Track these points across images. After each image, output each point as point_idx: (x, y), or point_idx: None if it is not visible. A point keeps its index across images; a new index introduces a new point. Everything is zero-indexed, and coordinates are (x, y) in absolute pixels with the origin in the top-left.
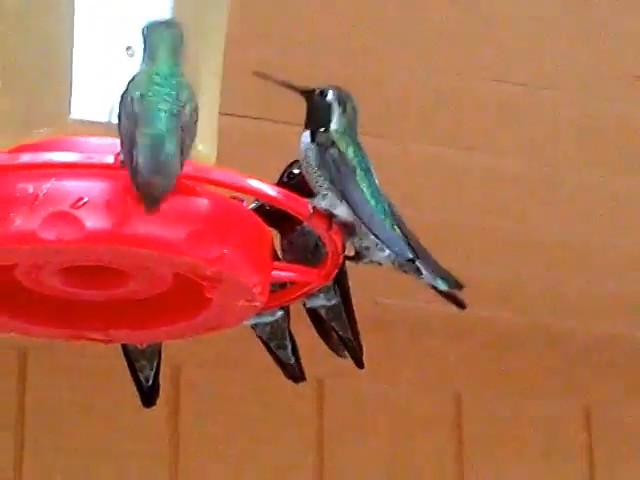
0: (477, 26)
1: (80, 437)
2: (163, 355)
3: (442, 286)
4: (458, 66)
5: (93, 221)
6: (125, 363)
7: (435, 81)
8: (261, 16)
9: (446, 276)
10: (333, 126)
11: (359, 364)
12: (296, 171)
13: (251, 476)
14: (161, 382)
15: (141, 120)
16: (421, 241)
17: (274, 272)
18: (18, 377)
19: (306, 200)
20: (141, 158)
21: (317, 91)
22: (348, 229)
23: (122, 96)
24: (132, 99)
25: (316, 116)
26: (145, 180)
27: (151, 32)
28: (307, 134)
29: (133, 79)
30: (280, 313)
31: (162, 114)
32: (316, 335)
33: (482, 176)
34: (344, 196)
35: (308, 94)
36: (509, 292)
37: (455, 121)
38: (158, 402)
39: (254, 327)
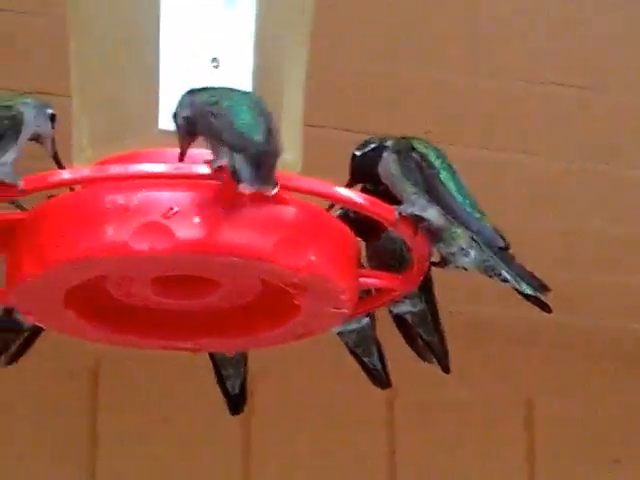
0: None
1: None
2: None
3: (527, 290)
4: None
5: (184, 231)
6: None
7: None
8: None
9: (531, 279)
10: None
11: (445, 369)
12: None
13: None
14: None
15: (229, 117)
16: None
17: (360, 279)
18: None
19: (392, 207)
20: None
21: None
22: (434, 235)
23: (196, 106)
24: (209, 106)
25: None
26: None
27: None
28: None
29: (199, 92)
30: (366, 320)
31: (243, 108)
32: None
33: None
34: (432, 198)
35: None
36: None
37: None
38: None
39: (340, 334)
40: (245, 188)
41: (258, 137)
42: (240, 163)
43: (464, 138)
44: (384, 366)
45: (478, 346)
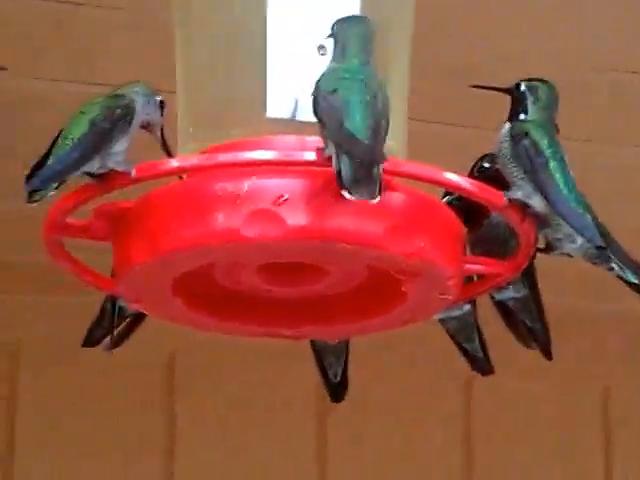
0: None
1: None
2: None
3: (631, 278)
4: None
5: (294, 218)
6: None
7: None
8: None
9: (636, 269)
10: (527, 117)
11: (547, 355)
12: (486, 165)
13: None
14: None
15: (341, 113)
16: None
17: (466, 265)
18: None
19: (501, 192)
20: (348, 144)
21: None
22: (541, 221)
23: (315, 93)
24: (326, 95)
25: (513, 108)
26: (364, 152)
27: (341, 28)
28: (506, 126)
29: (323, 76)
30: (467, 307)
31: (356, 105)
32: None
33: None
34: (538, 186)
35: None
36: None
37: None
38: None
39: (442, 321)
40: (346, 195)
41: (364, 140)
42: (345, 167)
43: None
44: (485, 352)
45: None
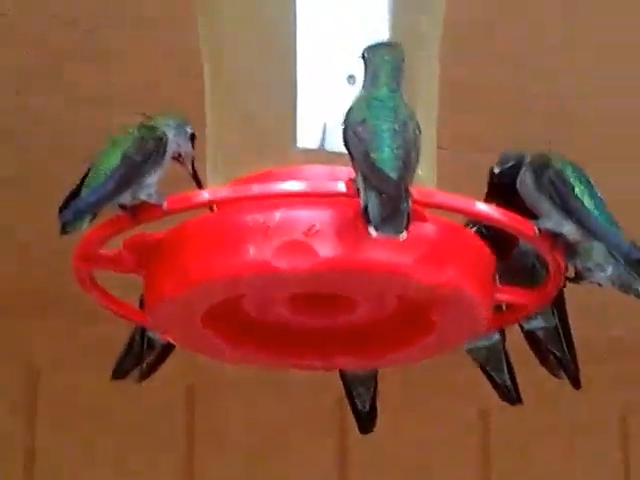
0: None
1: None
2: None
3: None
4: None
5: (326, 249)
6: None
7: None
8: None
9: None
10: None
11: (576, 386)
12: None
13: None
14: None
15: (368, 145)
16: None
17: (496, 295)
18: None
19: (531, 222)
20: (376, 178)
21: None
22: (571, 250)
23: (345, 124)
24: (355, 126)
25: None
26: (392, 188)
27: (371, 55)
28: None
29: (352, 107)
30: (496, 337)
31: (385, 135)
32: None
33: None
34: (568, 213)
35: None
36: None
37: None
38: None
39: (470, 351)
40: (372, 232)
41: (393, 175)
42: (372, 202)
43: None
44: (514, 382)
45: None
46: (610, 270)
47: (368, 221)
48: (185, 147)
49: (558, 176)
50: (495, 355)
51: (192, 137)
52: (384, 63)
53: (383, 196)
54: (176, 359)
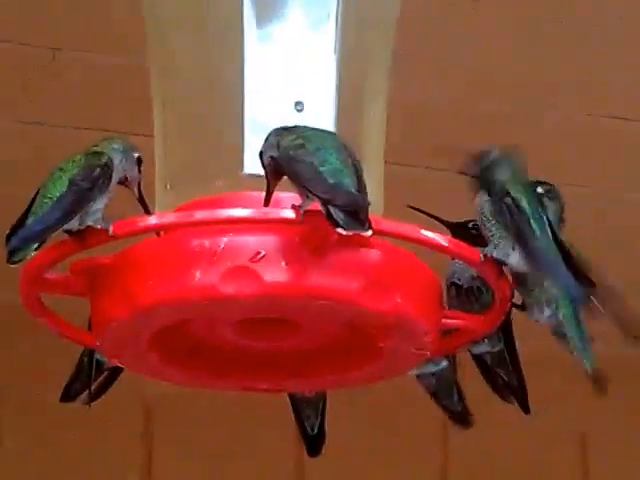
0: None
1: None
2: None
3: (586, 365)
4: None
5: (272, 274)
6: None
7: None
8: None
9: (591, 357)
10: (505, 177)
11: (525, 409)
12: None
13: None
14: None
15: (313, 160)
16: None
17: (443, 320)
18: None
19: (476, 249)
20: (331, 189)
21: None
22: (518, 278)
23: (280, 151)
24: (294, 148)
25: (486, 177)
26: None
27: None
28: (482, 192)
29: (282, 135)
30: (444, 363)
31: (330, 150)
32: None
33: None
34: (520, 243)
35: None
36: None
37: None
38: None
39: (419, 378)
40: (342, 232)
41: (348, 187)
42: (334, 210)
43: None
44: (464, 406)
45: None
46: (547, 314)
47: (336, 225)
48: (131, 172)
49: (515, 205)
50: (444, 382)
51: (139, 161)
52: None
53: (344, 204)
54: None
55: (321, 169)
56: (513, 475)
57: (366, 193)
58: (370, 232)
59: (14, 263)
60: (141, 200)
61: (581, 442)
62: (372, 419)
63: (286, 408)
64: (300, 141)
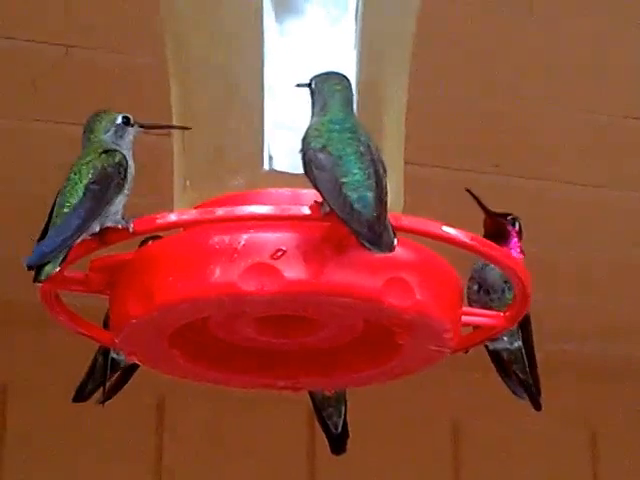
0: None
1: None
2: None
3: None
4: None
5: (292, 271)
6: None
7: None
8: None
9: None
10: None
11: (537, 407)
12: None
13: None
14: None
15: (335, 170)
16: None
17: (463, 317)
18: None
19: (500, 247)
20: (355, 207)
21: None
22: None
23: (303, 150)
24: (315, 153)
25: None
26: (371, 221)
27: (321, 84)
28: None
29: (308, 133)
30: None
31: (352, 157)
32: None
33: None
34: None
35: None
36: None
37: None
38: None
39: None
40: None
41: (367, 209)
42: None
43: None
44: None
45: None
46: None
47: (362, 243)
48: (135, 135)
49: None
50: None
51: (127, 121)
52: (336, 92)
53: (363, 231)
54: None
55: (343, 180)
56: (524, 471)
57: (386, 202)
58: (393, 249)
59: (40, 282)
60: (158, 126)
61: (591, 441)
62: (383, 412)
63: (298, 402)
64: (322, 142)
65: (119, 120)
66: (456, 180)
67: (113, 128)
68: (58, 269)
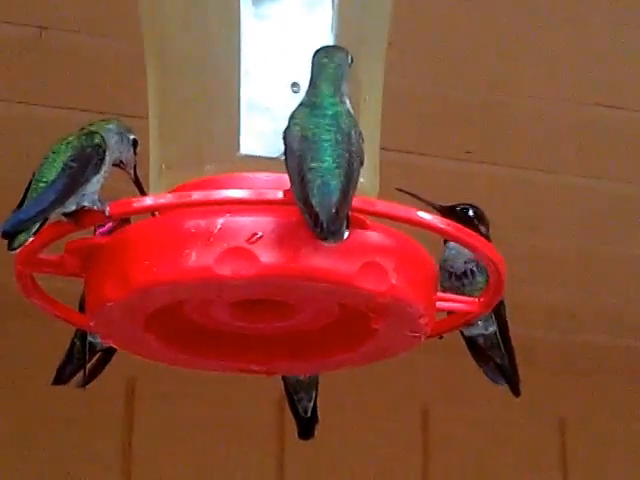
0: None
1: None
2: None
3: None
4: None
5: (268, 256)
6: None
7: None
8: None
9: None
10: None
11: (515, 392)
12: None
13: None
14: None
15: (306, 155)
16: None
17: (438, 303)
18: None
19: (475, 232)
20: (313, 195)
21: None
22: None
23: (285, 132)
24: (294, 134)
25: None
26: (321, 216)
27: (315, 59)
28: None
29: (293, 115)
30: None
31: (326, 145)
32: None
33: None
34: None
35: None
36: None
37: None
38: None
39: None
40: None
41: (325, 201)
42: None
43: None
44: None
45: None
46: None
47: (312, 208)
48: (127, 154)
49: None
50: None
51: (134, 143)
52: (326, 67)
53: (322, 182)
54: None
55: (310, 165)
56: (493, 456)
57: (351, 195)
58: (345, 238)
59: (14, 249)
60: (137, 182)
61: (560, 427)
62: (353, 398)
63: (269, 385)
64: (298, 124)
65: (132, 136)
66: (430, 167)
67: (123, 137)
68: (31, 239)
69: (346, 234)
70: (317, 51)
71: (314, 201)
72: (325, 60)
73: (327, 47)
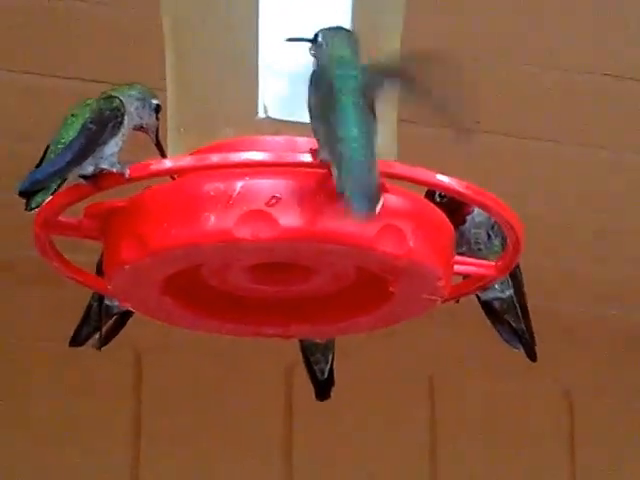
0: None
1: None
2: None
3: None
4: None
5: (287, 219)
6: None
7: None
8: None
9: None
10: None
11: (531, 356)
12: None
13: None
14: None
15: (333, 118)
16: None
17: (455, 266)
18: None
19: (493, 194)
20: (344, 163)
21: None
22: None
23: (308, 95)
24: (316, 96)
25: None
26: (355, 185)
27: (328, 36)
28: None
29: (312, 76)
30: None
31: (350, 110)
32: None
33: None
34: None
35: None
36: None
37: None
38: None
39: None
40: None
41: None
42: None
43: None
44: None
45: None
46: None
47: (347, 209)
48: (148, 119)
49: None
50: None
51: (157, 109)
52: (342, 40)
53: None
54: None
55: (338, 133)
56: (499, 430)
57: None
58: (378, 211)
59: (31, 209)
60: (158, 146)
61: (567, 397)
62: (360, 367)
63: (276, 358)
64: (325, 85)
65: (154, 101)
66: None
67: (145, 102)
68: (49, 198)
69: (378, 209)
70: (331, 30)
71: (344, 168)
72: (344, 36)
73: (341, 27)
